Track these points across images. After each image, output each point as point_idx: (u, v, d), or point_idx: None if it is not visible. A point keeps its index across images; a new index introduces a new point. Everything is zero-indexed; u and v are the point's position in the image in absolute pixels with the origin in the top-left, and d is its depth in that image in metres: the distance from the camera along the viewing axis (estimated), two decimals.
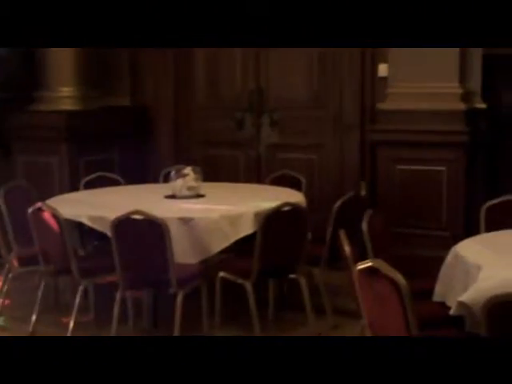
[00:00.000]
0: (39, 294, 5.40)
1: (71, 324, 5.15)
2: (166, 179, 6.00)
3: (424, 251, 5.94)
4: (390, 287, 2.92)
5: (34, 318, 5.37)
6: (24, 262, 5.59)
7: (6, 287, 5.71)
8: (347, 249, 3.71)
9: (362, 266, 3.15)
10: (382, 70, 6.64)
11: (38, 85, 7.62)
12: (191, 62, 7.93)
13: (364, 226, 4.36)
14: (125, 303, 5.14)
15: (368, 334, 3.48)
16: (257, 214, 5.00)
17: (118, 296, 4.95)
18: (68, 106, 7.45)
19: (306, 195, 5.65)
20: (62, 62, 7.49)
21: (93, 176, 6.49)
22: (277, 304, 5.46)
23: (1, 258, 5.77)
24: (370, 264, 3.12)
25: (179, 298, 4.85)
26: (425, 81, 6.15)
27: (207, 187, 5.69)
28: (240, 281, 5.08)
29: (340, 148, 7.10)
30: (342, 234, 3.86)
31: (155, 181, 6.59)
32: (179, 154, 7.44)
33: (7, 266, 5.69)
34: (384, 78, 6.60)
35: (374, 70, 6.78)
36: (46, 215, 5.09)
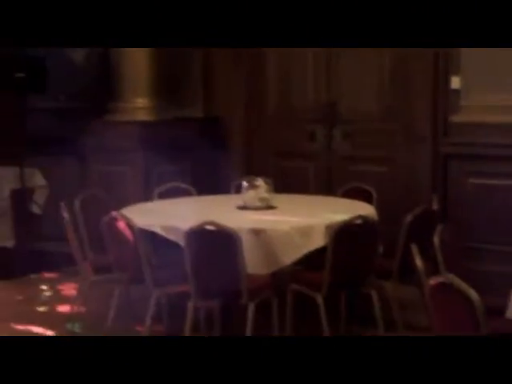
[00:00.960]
0: (114, 302, 5.50)
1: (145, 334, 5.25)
2: (238, 190, 6.00)
3: (496, 267, 5.85)
4: (463, 302, 2.86)
5: (107, 325, 5.47)
6: (98, 269, 5.66)
7: (81, 295, 5.85)
8: (419, 263, 3.67)
9: (434, 280, 3.10)
10: (455, 82, 6.58)
11: (113, 96, 7.75)
12: (263, 74, 7.96)
13: (436, 240, 4.34)
14: (197, 313, 5.17)
15: None
16: (328, 227, 4.96)
17: (190, 306, 4.99)
18: (142, 116, 7.56)
19: (377, 208, 5.64)
20: (136, 73, 7.62)
21: (166, 186, 6.55)
22: (347, 317, 5.45)
23: (76, 265, 5.88)
24: (442, 279, 3.07)
25: (250, 309, 4.85)
26: (498, 93, 6.06)
27: (278, 199, 5.68)
28: (311, 293, 5.06)
29: (412, 161, 7.04)
30: (414, 248, 3.83)
31: (227, 191, 6.60)
32: (251, 165, 7.49)
33: (82, 274, 5.81)
34: (457, 91, 6.54)
35: (447, 81, 6.72)
36: (121, 224, 5.17)
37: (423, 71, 7.00)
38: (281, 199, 5.71)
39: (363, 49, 6.79)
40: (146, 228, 5.21)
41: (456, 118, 6.46)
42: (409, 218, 5.26)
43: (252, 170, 6.64)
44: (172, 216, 5.46)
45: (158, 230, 5.19)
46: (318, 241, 5.00)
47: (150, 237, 5.25)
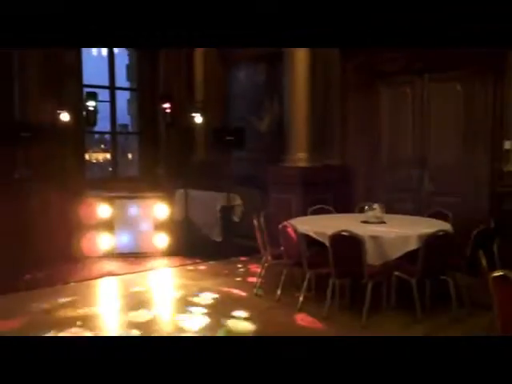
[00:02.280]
0: (282, 277, 5.57)
1: (300, 298, 5.22)
2: (361, 210, 5.97)
3: None
4: None
5: (278, 292, 5.55)
6: (274, 257, 5.77)
7: (262, 272, 5.95)
8: (484, 262, 3.62)
9: (495, 274, 3.04)
10: (507, 144, 6.38)
11: (284, 150, 7.79)
12: (380, 134, 7.85)
13: (495, 248, 4.31)
14: (334, 287, 5.10)
15: (497, 330, 3.15)
16: (420, 236, 4.93)
17: (331, 282, 5.04)
18: (301, 164, 7.58)
19: (452, 225, 5.47)
20: (298, 136, 7.60)
21: (315, 207, 6.64)
22: (430, 296, 5.22)
23: (260, 253, 6.08)
24: (501, 273, 3.01)
25: (369, 287, 4.86)
26: None
27: (388, 217, 5.65)
28: (407, 278, 4.99)
29: (476, 195, 6.85)
30: (481, 252, 3.76)
31: (353, 211, 6.54)
32: (370, 196, 7.29)
33: (264, 259, 5.96)
34: (508, 150, 6.39)
35: (502, 143, 6.49)
36: (289, 230, 5.30)
37: (485, 134, 6.81)
38: (389, 217, 5.68)
39: (447, 117, 6.87)
40: (304, 232, 5.29)
41: (507, 168, 6.34)
42: (475, 232, 5.18)
43: (371, 199, 6.52)
44: (320, 226, 5.46)
45: (312, 234, 5.27)
46: (413, 245, 4.96)
47: (307, 238, 5.29)
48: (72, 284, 6.35)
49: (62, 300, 5.70)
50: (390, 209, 6.07)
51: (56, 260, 7.11)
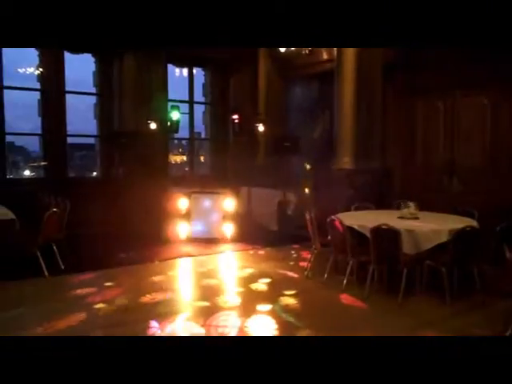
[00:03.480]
0: (329, 263, 5.58)
1: (344, 281, 5.19)
2: (398, 207, 5.77)
3: None
4: None
5: (325, 275, 5.55)
6: (322, 245, 5.74)
7: (312, 258, 5.92)
8: (507, 254, 3.58)
9: None
10: None
11: (333, 155, 7.80)
12: (415, 141, 7.72)
13: None
14: (374, 272, 5.04)
15: None
16: (450, 230, 4.83)
17: (371, 268, 5.00)
18: (347, 166, 7.56)
19: (479, 221, 5.30)
20: (344, 143, 7.69)
21: (358, 204, 6.50)
22: (459, 284, 5.06)
23: (310, 242, 5.99)
24: None
25: (404, 272, 4.79)
26: None
27: (421, 214, 5.49)
28: (439, 267, 4.87)
29: (500, 195, 6.56)
30: (505, 245, 3.69)
31: (391, 208, 6.33)
32: (406, 195, 7.14)
33: (313, 246, 5.91)
34: None
35: None
36: (337, 223, 5.28)
37: (509, 141, 6.64)
38: (422, 214, 5.53)
39: (474, 127, 6.66)
40: (349, 225, 5.23)
41: None
42: (499, 227, 5.02)
43: (406, 198, 6.39)
44: (363, 220, 5.38)
45: (356, 227, 5.19)
46: (444, 238, 4.85)
47: (351, 230, 5.22)
48: (157, 262, 6.55)
49: (149, 274, 5.92)
50: (423, 206, 5.86)
51: (145, 243, 7.34)
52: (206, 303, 4.88)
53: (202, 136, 10.75)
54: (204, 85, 10.44)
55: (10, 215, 5.64)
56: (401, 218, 5.42)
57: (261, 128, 8.56)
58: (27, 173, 13.72)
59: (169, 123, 7.97)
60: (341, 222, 5.23)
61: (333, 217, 5.38)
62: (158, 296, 5.07)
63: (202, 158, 11.84)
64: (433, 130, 7.53)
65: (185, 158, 10.88)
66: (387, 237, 4.78)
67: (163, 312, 4.59)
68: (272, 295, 5.17)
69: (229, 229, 7.90)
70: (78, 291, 5.22)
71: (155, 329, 4.18)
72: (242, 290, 5.44)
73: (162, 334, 3.97)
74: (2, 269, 5.32)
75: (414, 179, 7.72)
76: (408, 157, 7.81)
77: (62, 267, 5.93)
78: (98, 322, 4.34)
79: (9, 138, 8.69)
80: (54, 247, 5.98)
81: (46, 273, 5.62)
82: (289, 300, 5.01)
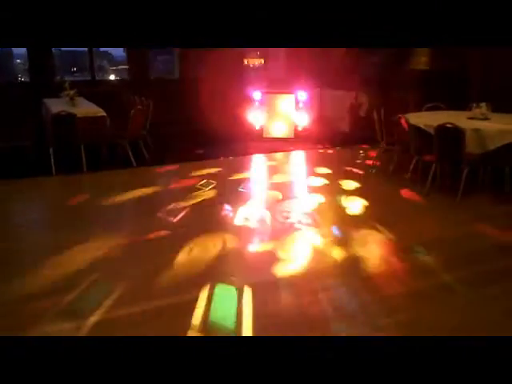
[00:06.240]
0: (393, 161, 5.76)
1: (407, 177, 5.44)
2: (470, 109, 5.69)
3: None
4: None
5: (391, 168, 5.76)
6: (388, 143, 5.94)
7: (378, 155, 6.19)
8: None
9: None
10: None
11: (408, 54, 7.65)
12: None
13: None
14: (435, 171, 5.14)
15: None
16: None
17: (433, 167, 5.09)
18: (422, 67, 7.35)
19: None
20: None
21: (430, 105, 6.46)
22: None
23: (377, 141, 6.21)
24: None
25: (464, 172, 4.88)
26: None
27: (493, 115, 5.39)
28: (502, 166, 4.94)
29: None
30: None
31: (464, 109, 6.09)
32: (482, 97, 6.87)
33: (380, 145, 6.13)
34: None
35: None
36: (403, 121, 5.42)
37: None
38: (495, 115, 5.42)
39: None
40: (416, 124, 5.29)
41: None
42: None
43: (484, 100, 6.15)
44: (430, 119, 5.32)
45: (422, 126, 5.24)
46: (510, 139, 4.82)
47: (417, 129, 5.26)
48: (231, 158, 7.10)
49: (220, 168, 6.50)
50: (499, 109, 5.67)
51: (222, 140, 7.87)
52: (274, 193, 5.40)
53: None
54: None
55: (102, 112, 6.30)
56: (471, 118, 5.38)
57: None
58: (112, 77, 14.52)
59: None
60: (407, 121, 5.34)
61: (400, 115, 5.49)
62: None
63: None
64: None
65: (263, 61, 10.98)
66: (451, 135, 4.85)
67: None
68: (334, 185, 5.56)
69: (301, 128, 8.20)
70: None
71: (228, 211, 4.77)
72: (309, 177, 5.96)
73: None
74: (96, 160, 6.15)
75: (492, 82, 7.28)
76: (487, 59, 7.35)
77: (147, 157, 6.64)
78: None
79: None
80: (140, 142, 6.69)
81: (134, 163, 6.38)
82: (349, 192, 5.35)
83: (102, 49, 14.72)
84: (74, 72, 13.71)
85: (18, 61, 12.06)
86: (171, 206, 4.82)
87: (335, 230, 4.25)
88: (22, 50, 9.35)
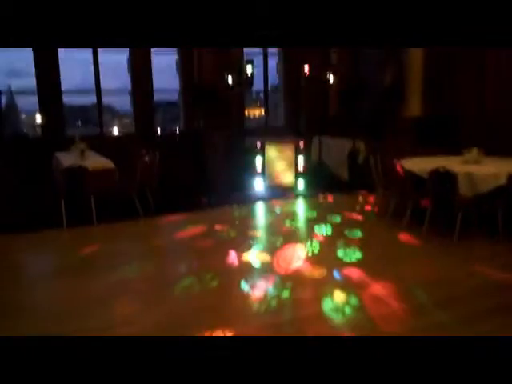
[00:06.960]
0: (390, 206, 5.89)
1: (403, 222, 5.53)
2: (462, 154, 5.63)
3: None
4: None
5: (386, 217, 5.95)
6: (385, 189, 6.06)
7: (375, 201, 6.42)
8: None
9: None
10: None
11: (402, 104, 7.96)
12: (484, 89, 7.38)
13: None
14: (431, 215, 5.24)
15: None
16: (509, 173, 4.92)
17: (428, 210, 5.29)
18: (416, 113, 7.61)
19: None
20: (413, 90, 7.73)
21: (424, 150, 6.41)
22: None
23: (376, 187, 6.44)
24: None
25: (459, 215, 5.02)
26: None
27: (485, 159, 5.47)
28: (495, 209, 5.03)
29: None
30: None
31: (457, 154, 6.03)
32: (473, 142, 6.98)
33: (378, 191, 6.33)
34: None
35: None
36: (398, 166, 5.62)
37: None
38: (486, 159, 5.55)
39: None
40: (410, 169, 5.45)
41: None
42: None
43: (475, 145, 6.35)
44: (424, 164, 5.40)
45: (416, 170, 5.40)
46: (502, 181, 5.00)
47: (411, 174, 5.40)
48: (235, 205, 7.31)
49: (227, 217, 6.69)
50: (490, 153, 5.83)
51: (222, 189, 8.09)
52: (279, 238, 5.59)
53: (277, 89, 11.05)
54: None
55: (111, 164, 6.55)
56: (464, 163, 5.52)
57: (331, 79, 8.86)
58: (115, 130, 14.89)
59: (244, 76, 8.48)
60: (402, 166, 5.55)
61: (395, 161, 5.69)
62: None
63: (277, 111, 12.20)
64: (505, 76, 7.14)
65: (263, 111, 11.31)
66: (444, 179, 5.02)
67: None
68: (339, 231, 5.70)
69: (301, 177, 8.41)
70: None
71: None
72: (313, 224, 6.09)
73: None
74: (105, 210, 6.34)
75: (483, 126, 7.43)
76: (478, 104, 7.52)
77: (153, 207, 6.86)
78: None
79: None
80: (148, 192, 6.90)
81: (142, 213, 6.59)
82: (349, 237, 5.50)
83: (106, 102, 15.23)
84: (79, 126, 14.12)
85: (24, 116, 12.40)
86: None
87: (336, 274, 4.39)
88: (29, 105, 9.72)
